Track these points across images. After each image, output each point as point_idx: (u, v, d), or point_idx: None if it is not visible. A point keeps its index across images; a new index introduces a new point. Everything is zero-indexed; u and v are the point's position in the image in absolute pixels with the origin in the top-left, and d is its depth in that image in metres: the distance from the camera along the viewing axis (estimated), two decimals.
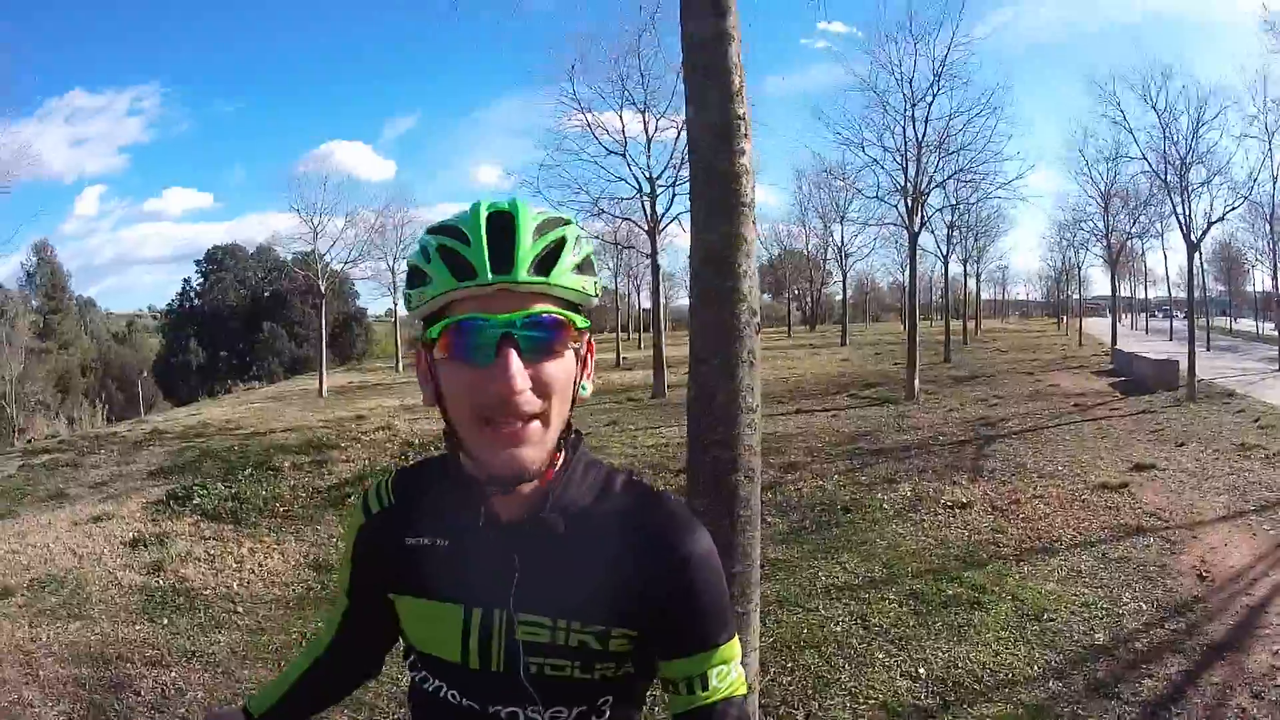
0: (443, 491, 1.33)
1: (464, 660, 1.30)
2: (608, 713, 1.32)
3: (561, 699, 1.28)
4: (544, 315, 1.17)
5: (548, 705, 1.28)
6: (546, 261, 1.18)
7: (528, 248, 1.17)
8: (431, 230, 1.23)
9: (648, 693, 1.41)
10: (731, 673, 1.29)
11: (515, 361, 1.14)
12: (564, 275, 1.19)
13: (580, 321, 1.22)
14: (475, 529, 1.26)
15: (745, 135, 3.54)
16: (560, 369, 1.20)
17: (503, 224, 1.18)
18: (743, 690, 1.30)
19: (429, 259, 1.19)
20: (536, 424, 1.18)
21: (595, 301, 1.28)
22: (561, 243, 1.20)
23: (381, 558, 1.38)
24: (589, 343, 1.28)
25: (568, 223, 1.24)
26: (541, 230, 1.20)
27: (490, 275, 1.14)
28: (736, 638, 1.33)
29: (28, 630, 7.36)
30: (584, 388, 1.26)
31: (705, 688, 1.26)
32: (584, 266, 1.23)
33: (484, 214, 1.19)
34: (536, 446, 1.19)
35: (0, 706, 6.00)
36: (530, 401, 1.16)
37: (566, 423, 1.25)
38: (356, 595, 1.50)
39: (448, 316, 1.17)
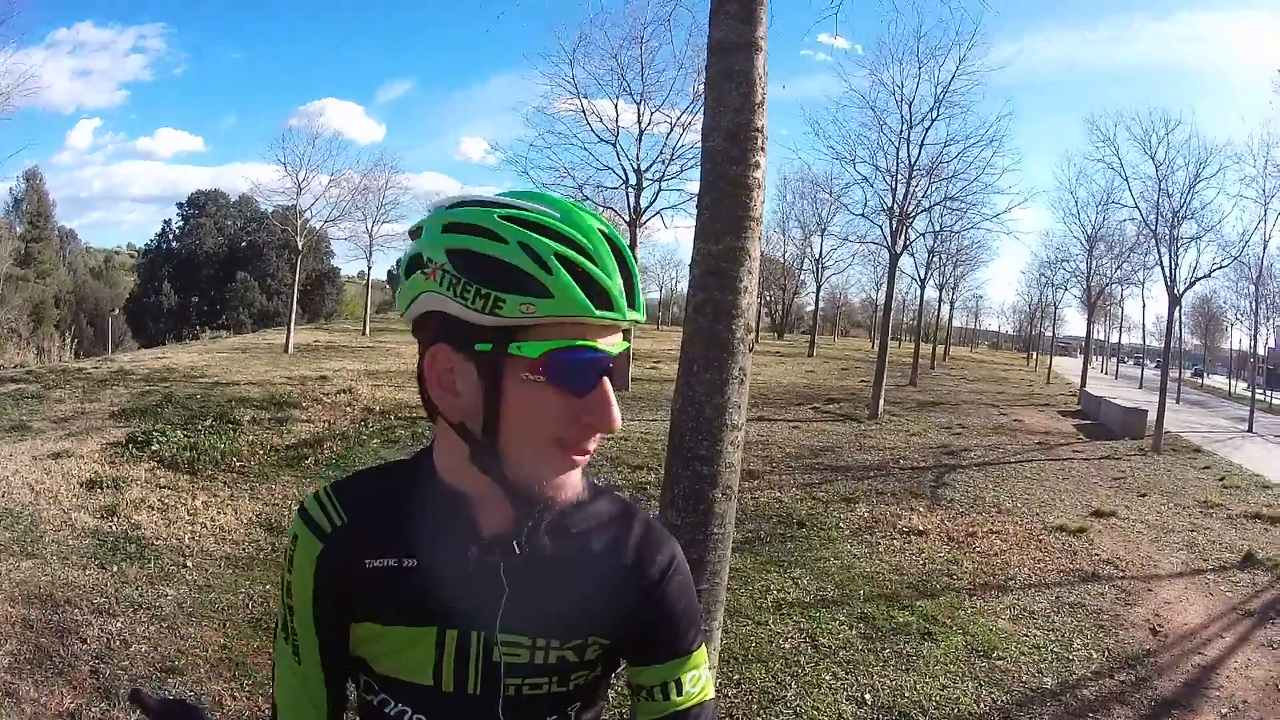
0: (406, 507, 1.22)
1: (436, 683, 1.22)
2: (573, 717, 1.29)
3: (536, 714, 1.25)
4: (625, 347, 1.16)
5: None
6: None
7: (639, 283, 1.14)
8: (533, 227, 1.08)
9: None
10: (702, 677, 1.30)
11: (612, 392, 1.11)
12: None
13: None
14: (455, 547, 1.18)
15: (761, 148, 3.49)
16: None
17: (619, 251, 1.12)
18: (712, 695, 1.31)
19: (548, 269, 1.05)
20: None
21: None
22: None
23: (342, 584, 1.22)
24: None
25: None
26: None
27: (626, 314, 1.09)
28: (704, 644, 1.33)
29: None
30: None
31: (680, 693, 1.27)
32: None
33: (599, 230, 1.11)
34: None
35: None
36: None
37: None
38: (324, 634, 1.26)
39: (552, 339, 1.07)
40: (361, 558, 1.20)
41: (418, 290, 1.10)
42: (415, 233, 1.14)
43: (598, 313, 1.06)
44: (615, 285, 1.08)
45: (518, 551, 1.18)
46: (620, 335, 1.13)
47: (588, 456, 1.14)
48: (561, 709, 1.27)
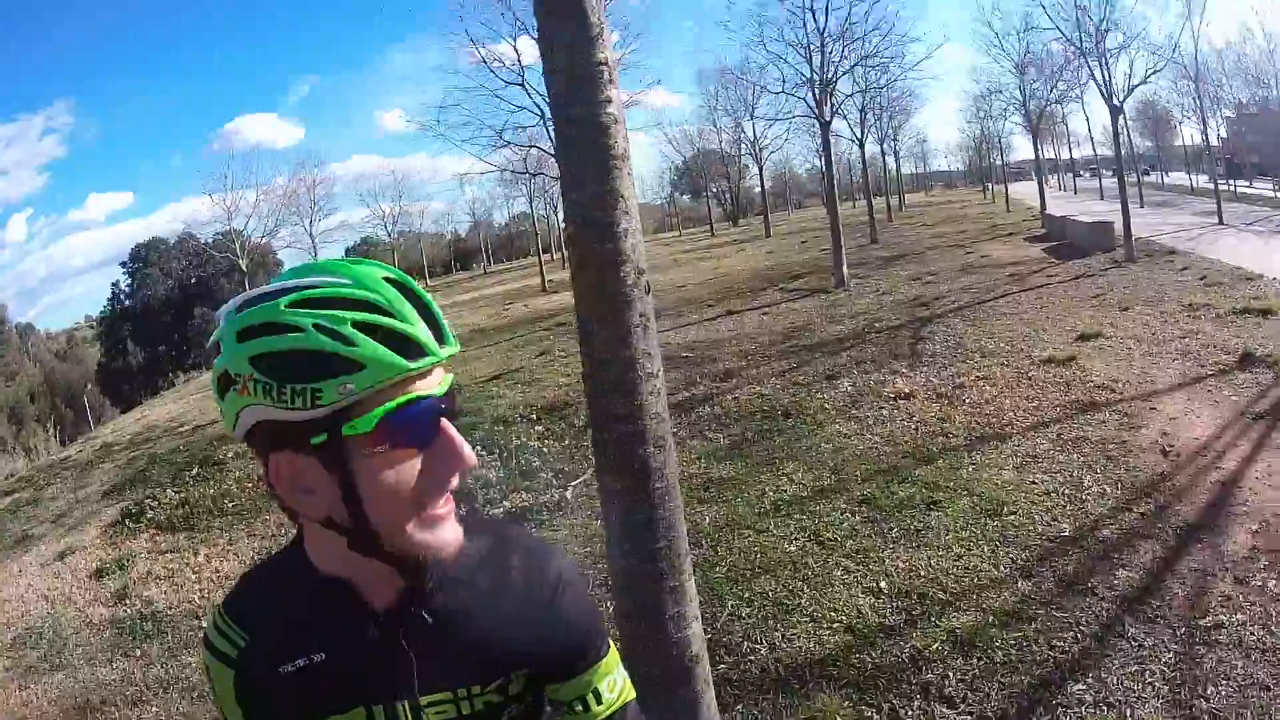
0: (297, 607, 1.20)
1: None
2: None
3: None
4: (454, 383, 1.14)
5: None
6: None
7: (440, 316, 1.10)
8: (322, 303, 1.03)
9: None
10: (619, 681, 1.33)
11: (455, 430, 1.10)
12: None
13: None
14: (354, 631, 1.18)
15: (610, 81, 3.26)
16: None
17: (411, 292, 1.09)
18: (632, 695, 1.35)
19: (350, 341, 1.01)
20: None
21: None
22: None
23: (266, 698, 1.22)
24: None
25: None
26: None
27: (440, 353, 1.07)
28: (614, 646, 1.36)
29: (18, 693, 7.27)
30: None
31: (600, 701, 1.30)
32: None
33: (384, 280, 1.07)
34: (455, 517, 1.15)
35: None
36: None
37: None
38: None
39: (381, 405, 1.03)
40: (274, 668, 1.20)
41: (237, 408, 1.05)
42: (214, 350, 1.08)
43: (413, 365, 1.03)
44: (420, 330, 1.05)
45: (429, 620, 1.19)
46: (442, 372, 1.11)
47: (451, 503, 1.12)
48: None
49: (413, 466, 1.06)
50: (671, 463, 3.41)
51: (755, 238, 45.48)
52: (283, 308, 1.02)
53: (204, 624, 7.61)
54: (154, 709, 6.46)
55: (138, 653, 7.54)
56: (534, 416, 12.04)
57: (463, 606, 1.21)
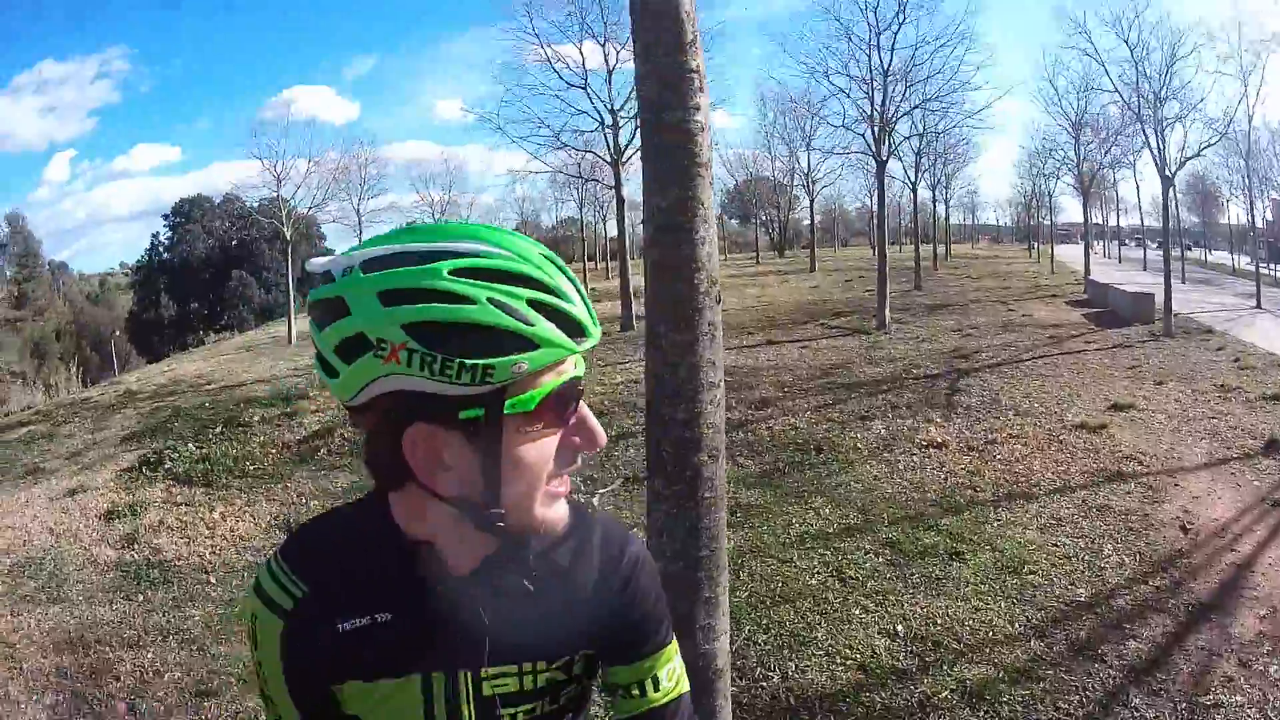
0: (369, 563, 1.15)
1: None
2: None
3: None
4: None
5: None
6: None
7: (586, 294, 1.08)
8: (494, 276, 0.99)
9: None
10: (677, 670, 1.30)
11: (590, 414, 1.10)
12: None
13: None
14: (428, 594, 1.13)
15: (700, 89, 3.29)
16: None
17: (564, 269, 1.06)
18: (686, 688, 1.31)
19: (527, 320, 0.98)
20: None
21: None
22: None
23: (315, 655, 1.15)
24: None
25: None
26: None
27: (595, 333, 1.06)
28: (675, 637, 1.33)
29: (10, 620, 7.33)
30: None
31: (657, 688, 1.26)
32: None
33: (543, 256, 1.05)
34: None
35: None
36: None
37: None
38: (305, 704, 1.21)
39: (543, 385, 1.02)
40: (333, 623, 1.14)
41: (372, 375, 0.98)
42: (331, 307, 1.00)
43: (579, 348, 1.04)
44: (582, 311, 1.04)
45: (511, 589, 1.16)
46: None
47: (568, 482, 1.12)
48: None
49: (552, 445, 1.06)
50: (721, 474, 3.42)
51: (800, 270, 45.33)
52: (446, 274, 0.97)
53: (213, 575, 7.62)
54: (150, 655, 6.50)
55: (140, 598, 7.61)
56: None
57: (542, 580, 1.17)
